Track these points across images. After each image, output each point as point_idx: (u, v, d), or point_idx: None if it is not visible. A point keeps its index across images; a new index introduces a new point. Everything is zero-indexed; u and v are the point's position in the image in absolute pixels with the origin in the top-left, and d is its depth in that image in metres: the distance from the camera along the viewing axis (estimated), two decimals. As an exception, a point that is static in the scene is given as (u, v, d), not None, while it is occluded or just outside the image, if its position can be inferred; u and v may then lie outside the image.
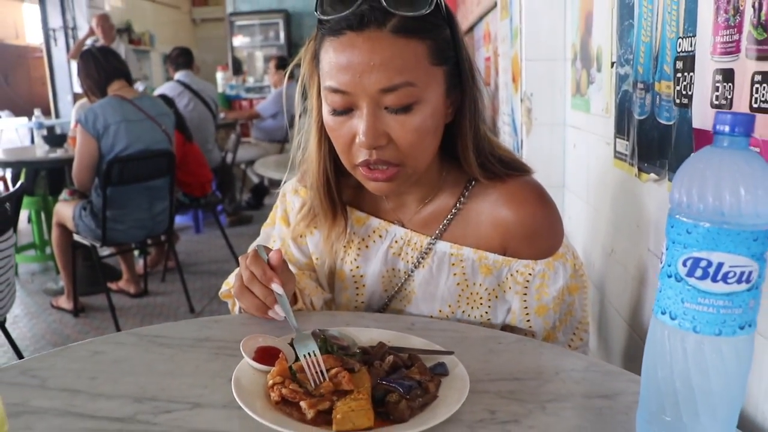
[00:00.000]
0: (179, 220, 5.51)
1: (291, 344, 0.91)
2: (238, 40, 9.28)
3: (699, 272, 0.63)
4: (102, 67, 3.26)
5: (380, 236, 1.13)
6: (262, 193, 6.57)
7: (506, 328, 1.11)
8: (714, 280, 0.63)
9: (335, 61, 0.93)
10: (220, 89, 7.75)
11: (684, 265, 0.64)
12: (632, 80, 1.27)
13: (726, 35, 0.87)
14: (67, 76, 7.54)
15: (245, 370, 0.84)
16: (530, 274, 1.05)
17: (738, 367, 0.65)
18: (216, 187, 4.94)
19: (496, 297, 1.08)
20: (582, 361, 0.96)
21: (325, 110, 0.99)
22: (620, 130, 1.36)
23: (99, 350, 0.95)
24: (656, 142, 1.14)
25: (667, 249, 0.66)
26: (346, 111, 0.95)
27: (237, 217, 5.87)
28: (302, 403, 0.76)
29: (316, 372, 0.81)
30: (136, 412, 0.78)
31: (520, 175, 1.07)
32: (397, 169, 0.97)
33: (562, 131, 1.90)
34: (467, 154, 1.03)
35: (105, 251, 3.76)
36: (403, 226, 1.12)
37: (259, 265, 0.97)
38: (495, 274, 1.07)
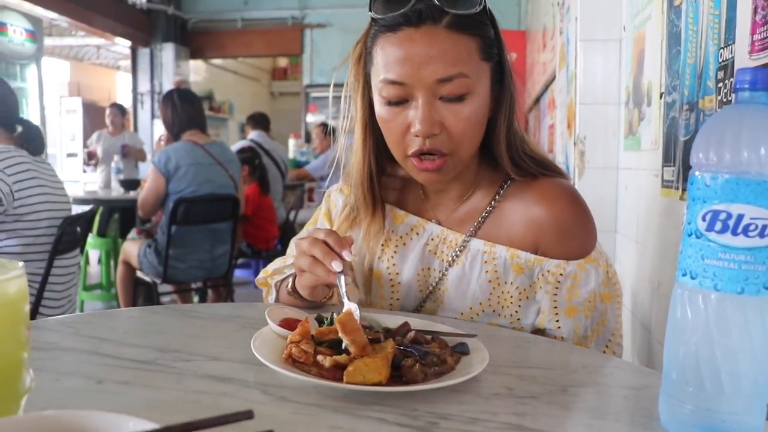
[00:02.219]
0: (240, 274, 5.62)
1: (316, 319, 0.92)
2: (312, 116, 9.62)
3: (718, 225, 0.62)
4: (177, 116, 3.42)
5: (417, 234, 1.15)
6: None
7: (536, 333, 1.09)
8: (734, 233, 0.61)
9: (393, 54, 0.99)
10: (291, 155, 8.01)
11: (703, 219, 0.63)
12: (678, 105, 1.27)
13: (763, 31, 0.87)
14: (150, 137, 7.97)
15: (267, 333, 0.86)
16: (561, 275, 1.04)
17: (764, 332, 0.62)
18: (279, 242, 5.04)
19: (527, 297, 1.07)
20: (613, 361, 0.93)
21: (379, 103, 1.04)
22: (667, 158, 1.35)
23: (134, 315, 0.99)
24: (700, 157, 1.13)
25: (687, 208, 0.65)
26: (400, 102, 1.00)
27: (296, 275, 5.93)
28: (319, 356, 0.76)
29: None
30: (157, 358, 0.80)
31: (553, 175, 1.08)
32: (444, 159, 1.01)
33: (614, 175, 1.89)
34: (499, 147, 1.06)
35: (164, 289, 3.86)
36: (440, 224, 1.14)
37: (335, 235, 0.99)
38: (526, 274, 1.06)
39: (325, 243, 0.97)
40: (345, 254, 0.96)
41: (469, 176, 1.12)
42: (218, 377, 0.75)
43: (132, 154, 5.96)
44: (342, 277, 0.95)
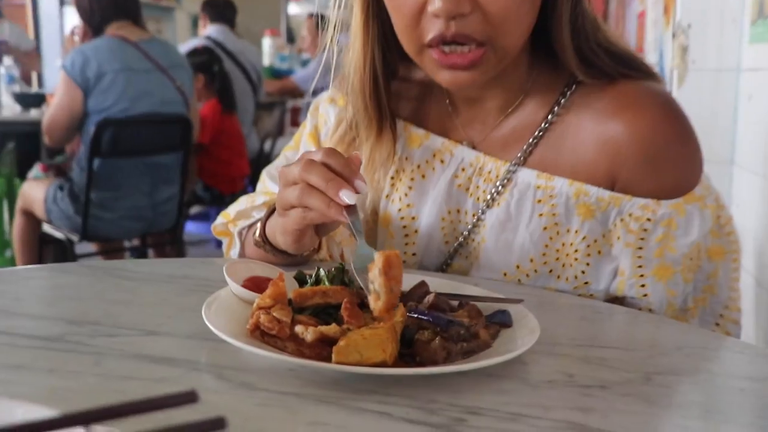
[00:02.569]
0: (194, 229, 5.65)
1: (295, 278, 0.93)
2: (297, 5, 9.45)
3: None
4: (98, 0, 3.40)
5: (442, 161, 1.15)
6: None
7: (612, 302, 1.10)
8: None
9: None
10: (266, 61, 7.97)
11: None
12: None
13: None
14: (58, 33, 7.89)
15: (226, 296, 0.87)
16: (649, 220, 1.04)
17: None
18: (249, 182, 5.05)
19: (599, 252, 1.08)
20: (725, 341, 0.94)
21: None
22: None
23: (34, 276, 1.01)
24: None
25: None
26: None
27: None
28: (298, 327, 0.77)
29: None
30: (67, 333, 0.82)
31: (639, 76, 1.07)
32: (481, 51, 1.00)
33: (733, 79, 1.87)
34: (561, 35, 1.04)
35: (85, 249, 3.90)
36: (474, 148, 1.14)
37: (339, 155, 0.94)
38: (598, 218, 1.07)
39: (326, 166, 0.92)
40: (358, 183, 0.91)
41: (516, 78, 1.11)
42: (154, 357, 0.76)
43: (15, 57, 5.42)
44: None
